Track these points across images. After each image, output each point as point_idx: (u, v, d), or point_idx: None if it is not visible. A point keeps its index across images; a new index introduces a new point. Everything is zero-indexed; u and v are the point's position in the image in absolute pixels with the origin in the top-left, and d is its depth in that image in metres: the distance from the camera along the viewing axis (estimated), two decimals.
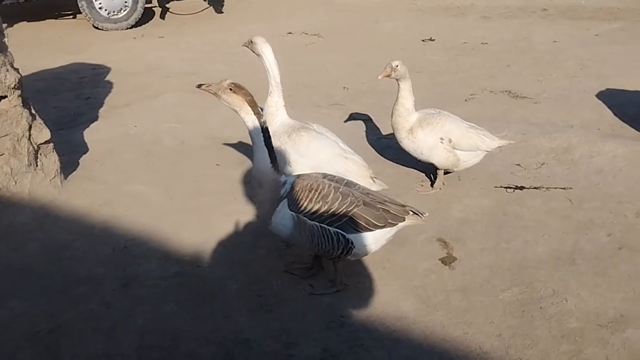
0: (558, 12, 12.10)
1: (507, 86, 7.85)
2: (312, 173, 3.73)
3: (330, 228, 3.50)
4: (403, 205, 3.62)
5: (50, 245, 4.28)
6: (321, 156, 4.27)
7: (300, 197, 3.53)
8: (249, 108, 3.45)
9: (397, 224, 3.58)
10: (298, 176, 3.65)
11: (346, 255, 3.60)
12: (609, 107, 6.92)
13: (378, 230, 3.54)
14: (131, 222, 4.55)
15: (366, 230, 3.51)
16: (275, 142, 4.24)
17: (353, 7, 13.52)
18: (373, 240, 3.59)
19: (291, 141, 4.36)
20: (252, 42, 4.56)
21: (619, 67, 8.41)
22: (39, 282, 3.90)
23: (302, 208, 3.52)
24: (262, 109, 3.89)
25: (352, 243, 3.53)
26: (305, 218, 3.52)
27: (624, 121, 6.54)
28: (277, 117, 4.56)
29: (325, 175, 3.67)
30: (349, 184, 3.65)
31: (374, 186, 4.25)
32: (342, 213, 3.49)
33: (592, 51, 9.32)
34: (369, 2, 13.83)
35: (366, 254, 3.72)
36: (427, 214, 3.67)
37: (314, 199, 3.51)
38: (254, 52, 4.59)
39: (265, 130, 3.48)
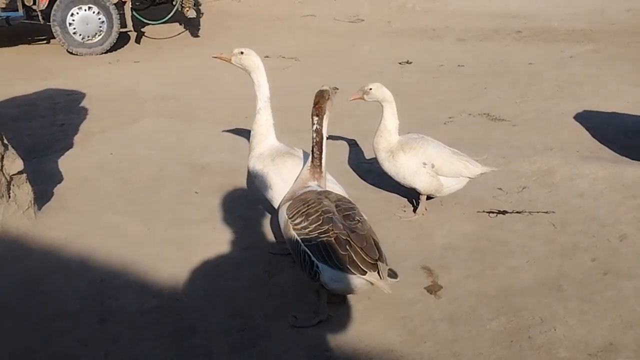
0: (532, 35, 12.26)
1: (485, 109, 7.88)
2: (332, 193, 3.74)
3: (301, 244, 3.49)
4: (375, 261, 3.37)
5: (23, 279, 4.13)
6: None
7: (295, 205, 3.63)
8: (315, 118, 3.84)
9: (354, 274, 3.38)
10: (322, 189, 3.77)
11: (315, 281, 3.51)
12: (587, 129, 6.96)
13: (338, 270, 3.40)
14: (108, 254, 4.42)
15: (325, 264, 3.41)
16: (258, 165, 4.35)
17: (329, 30, 13.58)
18: (335, 276, 3.42)
19: (274, 165, 4.33)
20: (242, 53, 4.40)
21: (594, 89, 8.51)
22: (11, 319, 3.76)
23: (291, 216, 3.60)
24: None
25: (318, 268, 3.44)
26: (290, 225, 3.57)
27: (602, 143, 6.58)
28: (268, 138, 4.47)
29: (338, 199, 3.65)
30: (351, 216, 3.52)
31: None
32: (313, 236, 3.45)
33: (567, 73, 9.42)
34: (345, 26, 13.91)
35: (338, 291, 3.56)
36: (397, 280, 3.44)
37: (300, 212, 3.56)
38: (239, 65, 4.43)
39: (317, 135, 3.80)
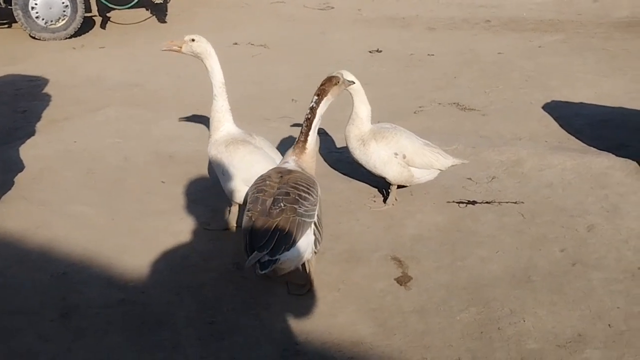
0: (501, 24, 12.30)
1: (455, 98, 7.88)
2: (294, 174, 3.67)
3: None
4: (252, 249, 3.35)
5: None
6: (253, 170, 4.16)
7: (257, 178, 3.73)
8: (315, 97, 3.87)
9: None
10: (293, 168, 3.77)
11: None
12: (555, 119, 7.00)
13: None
14: (71, 245, 4.30)
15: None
16: (213, 151, 4.39)
17: (299, 18, 13.45)
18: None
19: (227, 152, 4.33)
20: (193, 40, 4.38)
21: (562, 79, 8.56)
22: None
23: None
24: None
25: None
26: None
27: (570, 133, 6.62)
28: (224, 124, 4.48)
29: (289, 182, 3.57)
30: (279, 201, 3.46)
31: None
32: (246, 210, 3.57)
33: (536, 63, 9.47)
34: (314, 13, 13.80)
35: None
36: (262, 272, 3.33)
37: (252, 185, 3.69)
38: (191, 53, 4.41)
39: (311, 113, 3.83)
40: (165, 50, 4.49)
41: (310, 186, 3.63)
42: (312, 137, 3.87)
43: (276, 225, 3.38)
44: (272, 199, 3.48)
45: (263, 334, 3.48)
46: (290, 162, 3.83)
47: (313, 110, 3.83)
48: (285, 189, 3.53)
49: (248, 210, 3.52)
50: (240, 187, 4.28)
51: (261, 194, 3.52)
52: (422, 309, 3.70)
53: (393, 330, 3.52)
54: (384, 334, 3.50)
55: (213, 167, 4.52)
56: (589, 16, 12.54)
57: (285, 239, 3.37)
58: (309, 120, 3.83)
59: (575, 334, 3.46)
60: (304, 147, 3.85)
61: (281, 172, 3.69)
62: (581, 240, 4.39)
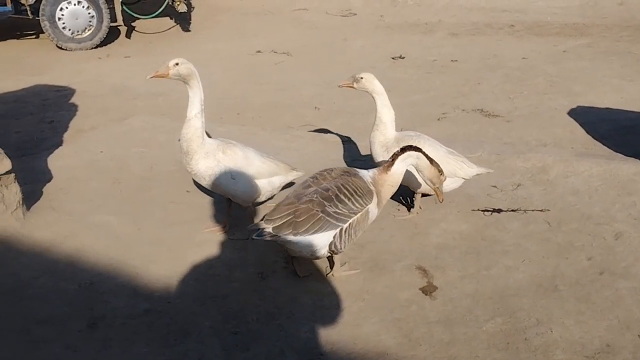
0: (525, 29, 12.22)
1: (478, 104, 7.83)
2: (346, 178, 3.88)
3: None
4: (274, 223, 3.65)
5: (10, 282, 4.04)
6: (256, 165, 4.53)
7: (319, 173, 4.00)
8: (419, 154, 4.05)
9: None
10: (354, 173, 4.01)
11: None
12: (581, 125, 6.93)
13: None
14: (97, 255, 4.35)
15: None
16: (211, 162, 4.45)
17: (321, 25, 13.49)
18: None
19: (228, 157, 4.46)
20: (177, 64, 4.33)
21: (587, 84, 8.47)
22: None
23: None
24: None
25: None
26: None
27: (596, 139, 6.55)
28: (204, 139, 4.51)
29: (336, 182, 3.81)
30: (313, 192, 3.74)
31: (293, 174, 4.78)
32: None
33: (560, 68, 9.39)
34: (337, 20, 13.83)
35: None
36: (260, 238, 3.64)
37: (318, 172, 3.98)
38: (177, 77, 4.35)
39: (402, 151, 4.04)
40: (152, 77, 4.46)
41: (357, 195, 3.82)
42: (400, 166, 4.02)
43: (295, 209, 3.65)
44: (315, 188, 3.76)
45: (287, 344, 3.48)
46: (369, 172, 4.02)
47: (417, 150, 4.01)
48: (330, 185, 3.78)
49: (290, 203, 3.75)
50: (255, 183, 4.52)
51: (312, 180, 3.84)
52: (448, 319, 3.68)
53: (418, 341, 3.50)
54: (409, 344, 3.48)
55: (211, 179, 4.45)
56: (614, 19, 12.42)
57: (295, 225, 3.62)
58: (405, 149, 4.00)
59: (604, 344, 3.41)
60: (387, 169, 4.02)
61: (347, 172, 3.94)
62: (608, 249, 4.33)
